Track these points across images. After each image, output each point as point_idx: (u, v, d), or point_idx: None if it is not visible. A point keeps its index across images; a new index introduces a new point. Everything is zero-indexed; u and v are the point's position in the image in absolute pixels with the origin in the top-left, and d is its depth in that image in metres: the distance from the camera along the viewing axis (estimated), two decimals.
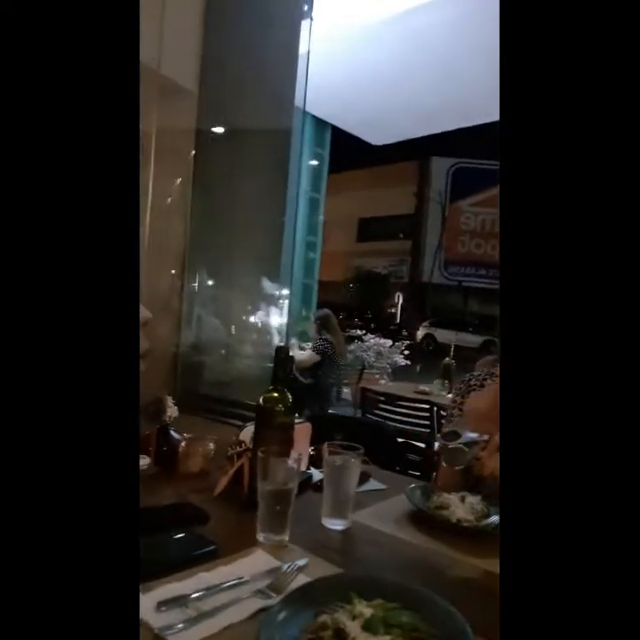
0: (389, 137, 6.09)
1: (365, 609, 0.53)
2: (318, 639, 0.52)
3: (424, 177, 12.76)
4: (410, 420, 2.43)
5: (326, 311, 3.70)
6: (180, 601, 0.61)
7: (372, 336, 5.57)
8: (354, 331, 5.59)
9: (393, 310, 11.83)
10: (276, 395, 0.91)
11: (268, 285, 2.68)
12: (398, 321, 10.91)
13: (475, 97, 4.08)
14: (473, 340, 9.82)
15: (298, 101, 3.12)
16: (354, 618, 0.52)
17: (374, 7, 3.16)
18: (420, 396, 2.61)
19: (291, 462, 0.82)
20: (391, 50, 3.60)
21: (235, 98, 2.48)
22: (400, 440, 1.79)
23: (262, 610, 0.61)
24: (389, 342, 5.55)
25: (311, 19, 3.12)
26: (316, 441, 1.18)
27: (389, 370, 4.95)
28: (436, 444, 1.32)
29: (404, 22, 3.28)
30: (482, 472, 0.99)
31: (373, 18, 3.23)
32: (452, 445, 0.99)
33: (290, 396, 0.92)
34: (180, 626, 0.57)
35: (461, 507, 0.94)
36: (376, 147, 6.49)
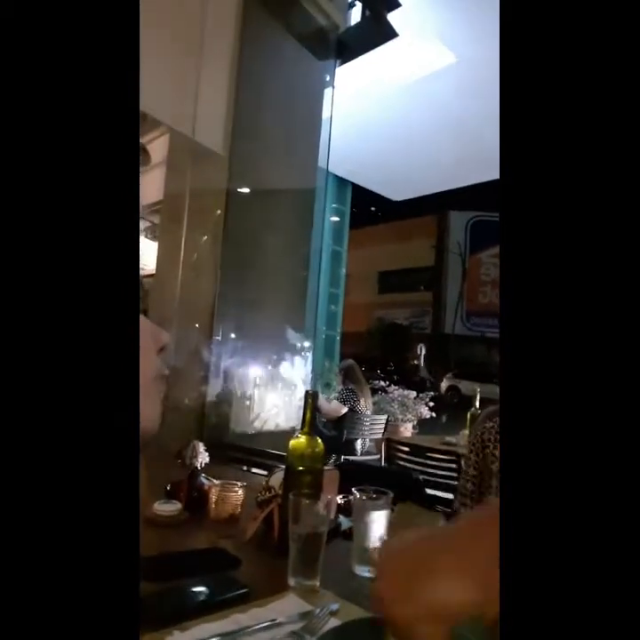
0: (408, 193, 6.30)
1: None
2: None
3: (443, 230, 12.97)
4: (436, 471, 2.39)
5: (351, 362, 3.72)
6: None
7: (396, 387, 5.54)
8: (377, 382, 5.58)
9: (415, 362, 11.75)
10: (305, 439, 0.94)
11: (292, 337, 2.74)
12: (421, 374, 10.81)
13: (489, 152, 4.23)
14: (497, 391, 9.60)
15: (321, 162, 3.31)
16: None
17: (392, 74, 3.37)
18: (446, 448, 2.57)
19: (321, 506, 0.83)
20: (408, 112, 3.80)
21: (262, 160, 2.64)
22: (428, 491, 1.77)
23: None
24: (414, 394, 5.50)
25: (333, 87, 3.34)
26: (343, 489, 1.19)
27: (415, 422, 4.88)
28: None
29: (420, 87, 3.48)
30: None
31: (391, 84, 3.44)
32: None
33: (319, 441, 0.95)
34: None
35: None
36: (395, 202, 6.71)
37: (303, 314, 3.05)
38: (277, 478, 1.05)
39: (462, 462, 2.28)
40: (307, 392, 0.93)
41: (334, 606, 0.73)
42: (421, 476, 2.09)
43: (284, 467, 0.98)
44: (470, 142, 4.10)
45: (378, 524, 0.88)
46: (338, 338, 5.01)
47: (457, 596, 0.36)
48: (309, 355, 3.00)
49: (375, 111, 3.75)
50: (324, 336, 4.56)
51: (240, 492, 1.11)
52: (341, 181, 5.51)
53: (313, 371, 3.22)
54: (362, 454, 3.59)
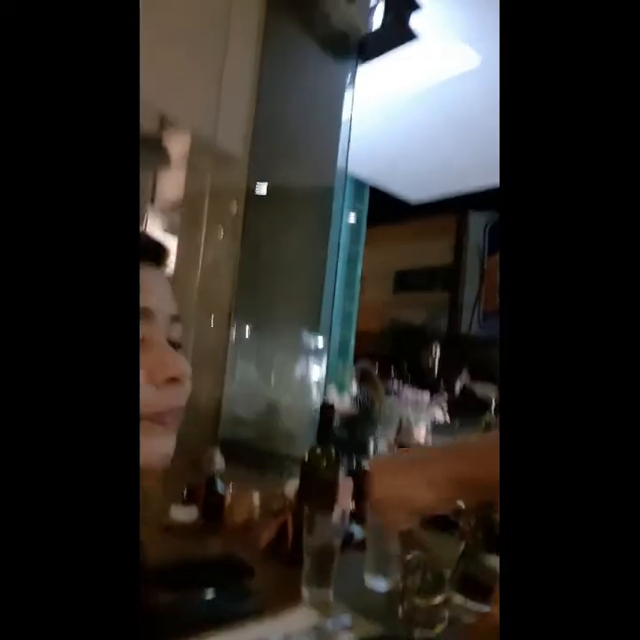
0: (426, 194, 6.26)
1: None
2: None
3: (462, 230, 12.83)
4: None
5: (366, 363, 3.71)
6: None
7: (410, 389, 5.49)
8: (390, 382, 5.55)
9: (429, 363, 11.63)
10: (321, 451, 0.95)
11: (307, 338, 2.75)
12: (436, 374, 10.70)
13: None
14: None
15: (340, 163, 3.31)
16: None
17: (414, 77, 3.35)
18: None
19: (336, 518, 0.84)
20: (428, 114, 3.77)
21: (281, 161, 2.65)
22: None
23: None
24: (427, 396, 5.46)
25: (353, 88, 3.34)
26: (357, 497, 1.20)
27: (428, 426, 4.83)
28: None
29: (440, 90, 3.46)
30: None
31: (412, 87, 3.42)
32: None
33: (334, 452, 0.95)
34: None
35: None
36: (412, 203, 6.67)
37: (319, 314, 3.05)
38: (292, 486, 1.06)
39: None
40: (323, 406, 0.94)
41: (346, 621, 0.74)
42: None
43: (299, 473, 0.99)
44: (491, 143, 4.07)
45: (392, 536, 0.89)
46: (352, 339, 5.00)
47: (421, 492, 0.51)
48: (325, 356, 3.00)
49: (397, 113, 3.74)
50: (339, 336, 4.55)
51: (256, 497, 1.12)
52: (359, 182, 5.50)
53: (327, 372, 3.22)
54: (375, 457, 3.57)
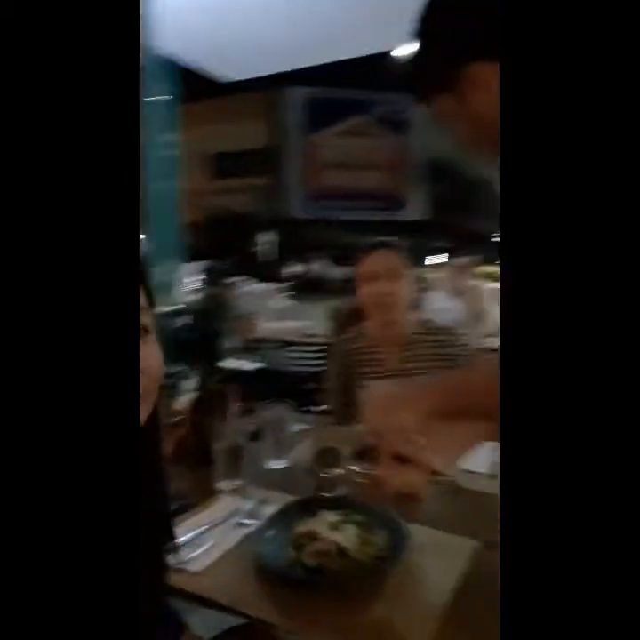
0: (241, 73, 5.89)
1: (330, 515, 0.76)
2: (299, 545, 0.73)
3: (277, 107, 12.24)
4: (303, 363, 2.57)
5: (212, 263, 3.67)
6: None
7: (245, 281, 5.54)
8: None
9: (257, 250, 11.52)
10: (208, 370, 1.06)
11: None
12: (263, 259, 10.72)
13: (327, 32, 4.16)
14: (342, 271, 9.83)
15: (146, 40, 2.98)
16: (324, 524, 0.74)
17: None
18: (310, 339, 2.74)
19: (237, 420, 0.99)
20: None
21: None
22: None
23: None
24: (263, 285, 5.58)
25: None
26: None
27: (273, 315, 5.04)
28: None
29: None
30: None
31: None
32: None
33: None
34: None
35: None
36: (226, 81, 6.23)
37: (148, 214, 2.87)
38: (184, 401, 1.17)
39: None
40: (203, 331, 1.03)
41: (261, 496, 0.92)
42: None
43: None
44: (307, 21, 3.96)
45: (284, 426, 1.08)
46: (179, 236, 4.70)
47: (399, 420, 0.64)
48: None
49: None
50: (166, 236, 4.23)
51: None
52: (168, 60, 4.93)
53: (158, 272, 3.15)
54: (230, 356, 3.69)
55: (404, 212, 10.66)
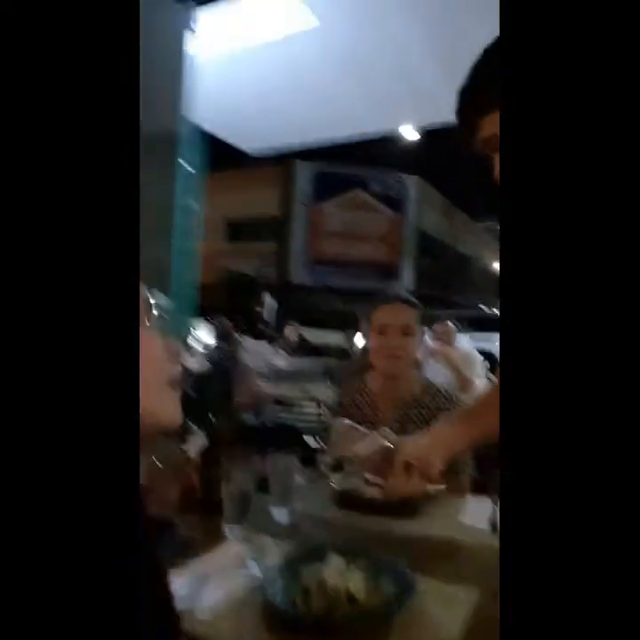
0: (259, 145, 6.28)
1: (337, 559, 0.76)
2: (306, 591, 0.72)
3: (288, 180, 12.96)
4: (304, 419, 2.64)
5: (224, 319, 3.73)
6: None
7: (250, 340, 5.66)
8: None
9: (258, 309, 11.81)
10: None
11: (160, 298, 2.69)
12: (266, 319, 10.96)
13: (339, 111, 4.50)
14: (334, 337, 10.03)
15: (183, 110, 3.21)
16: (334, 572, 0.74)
17: (255, 31, 3.34)
18: (309, 396, 2.82)
19: (248, 466, 1.00)
20: (267, 68, 3.81)
21: None
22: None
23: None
24: (265, 343, 5.69)
25: (193, 31, 3.20)
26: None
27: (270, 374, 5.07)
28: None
29: (282, 46, 3.52)
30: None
31: (254, 40, 3.42)
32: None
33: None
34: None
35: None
36: (246, 153, 6.64)
37: (170, 271, 2.98)
38: (194, 445, 1.18)
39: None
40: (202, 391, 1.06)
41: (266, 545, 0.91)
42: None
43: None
44: (323, 101, 4.28)
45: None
46: (194, 293, 4.87)
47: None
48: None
49: (236, 64, 3.70)
50: (186, 290, 4.38)
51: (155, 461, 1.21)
52: (199, 130, 5.27)
53: (173, 329, 3.20)
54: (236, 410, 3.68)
55: (398, 282, 11.13)
